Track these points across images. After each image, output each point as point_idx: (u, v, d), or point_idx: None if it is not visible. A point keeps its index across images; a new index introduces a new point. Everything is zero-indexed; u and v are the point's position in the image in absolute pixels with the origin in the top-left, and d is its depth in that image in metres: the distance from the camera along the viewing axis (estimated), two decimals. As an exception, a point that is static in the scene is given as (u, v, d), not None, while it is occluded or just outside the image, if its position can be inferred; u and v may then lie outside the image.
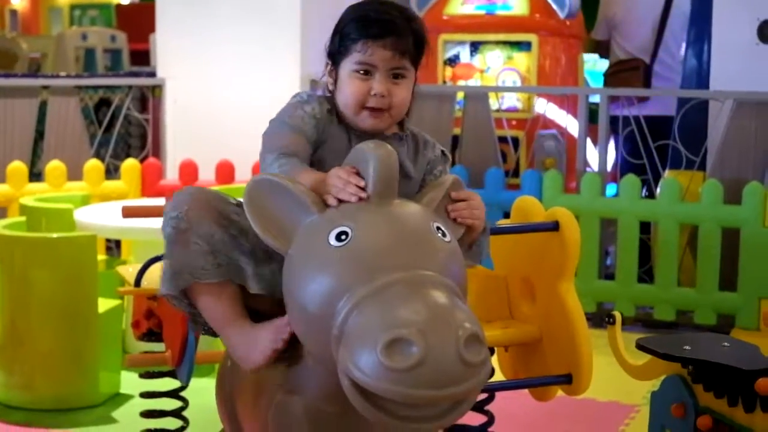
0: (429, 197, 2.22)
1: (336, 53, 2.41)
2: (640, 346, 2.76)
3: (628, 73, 6.20)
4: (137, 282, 3.28)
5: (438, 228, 2.04)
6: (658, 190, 5.35)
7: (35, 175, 5.81)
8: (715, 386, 2.56)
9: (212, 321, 2.28)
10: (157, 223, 3.10)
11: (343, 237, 1.96)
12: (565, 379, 3.24)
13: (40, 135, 5.83)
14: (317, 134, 2.35)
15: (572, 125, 5.83)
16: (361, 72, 2.34)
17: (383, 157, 2.07)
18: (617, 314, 3.09)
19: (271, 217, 2.08)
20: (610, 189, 5.64)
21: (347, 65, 2.36)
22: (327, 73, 2.46)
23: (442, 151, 2.49)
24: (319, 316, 1.92)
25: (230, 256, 2.22)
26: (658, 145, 5.50)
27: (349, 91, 2.35)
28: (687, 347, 2.60)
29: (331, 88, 2.44)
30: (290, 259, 2.04)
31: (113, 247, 5.70)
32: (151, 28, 5.96)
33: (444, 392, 1.78)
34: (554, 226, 3.26)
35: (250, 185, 2.11)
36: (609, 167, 5.61)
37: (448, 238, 2.04)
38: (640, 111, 5.64)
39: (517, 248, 3.48)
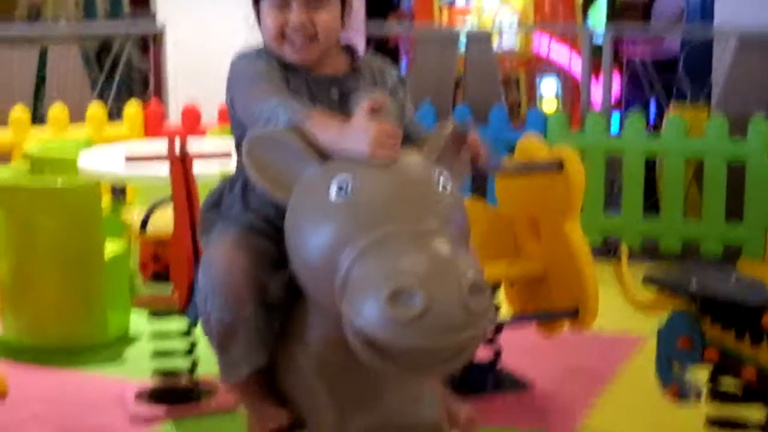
0: (429, 146, 2.16)
1: None
2: (648, 280, 2.76)
3: (628, 13, 6.17)
4: (143, 226, 3.29)
5: (439, 177, 2.02)
6: (664, 125, 5.34)
7: (38, 120, 5.80)
8: (722, 320, 2.57)
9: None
10: (160, 168, 3.12)
11: (344, 189, 1.95)
12: (572, 313, 3.27)
13: (41, 80, 5.80)
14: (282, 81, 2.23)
15: (574, 64, 5.79)
16: (277, 5, 2.22)
17: (385, 110, 2.03)
18: (624, 248, 3.08)
19: (272, 170, 2.05)
20: (614, 124, 5.61)
21: (264, 2, 2.24)
22: (254, 16, 2.32)
23: (400, 77, 2.36)
24: (321, 268, 1.91)
25: (273, 325, 2.17)
26: (663, 82, 5.48)
27: (268, 24, 2.23)
28: (694, 281, 2.60)
29: (257, 24, 2.31)
30: (292, 210, 2.02)
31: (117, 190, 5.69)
32: (151, -36, 5.93)
33: (448, 340, 1.78)
34: (558, 166, 3.27)
35: (250, 142, 2.07)
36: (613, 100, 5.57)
37: (449, 189, 2.02)
38: (646, 53, 5.62)
39: (521, 187, 3.48)
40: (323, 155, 2.03)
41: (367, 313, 1.79)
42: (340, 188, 1.95)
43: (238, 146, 2.28)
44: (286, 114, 2.10)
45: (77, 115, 5.46)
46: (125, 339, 4.05)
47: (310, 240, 1.95)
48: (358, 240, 1.87)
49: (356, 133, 2.02)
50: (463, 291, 1.78)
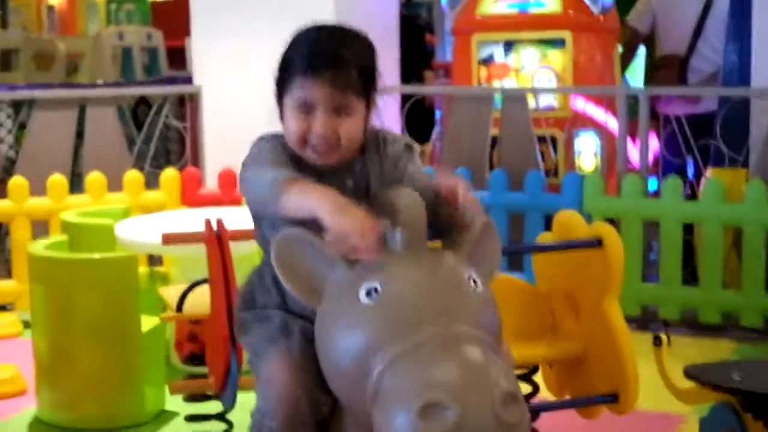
0: (459, 243, 2.13)
1: (279, 86, 2.26)
2: (689, 375, 2.71)
3: (663, 70, 6.14)
4: (179, 306, 3.29)
5: (470, 277, 2.00)
6: (701, 189, 5.29)
7: (76, 175, 5.86)
8: (764, 416, 2.52)
9: None
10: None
11: (373, 293, 1.93)
12: (611, 399, 3.22)
13: (79, 135, 5.84)
14: (291, 167, 2.21)
15: (611, 123, 5.77)
16: (301, 109, 2.19)
17: (411, 207, 2.04)
18: (664, 336, 3.04)
19: (302, 273, 2.04)
20: (652, 183, 5.57)
21: (288, 100, 2.21)
22: (276, 103, 2.29)
23: (406, 144, 2.33)
24: (352, 373, 1.90)
25: None
26: (700, 142, 5.44)
27: (290, 128, 2.20)
28: (736, 376, 2.56)
29: (281, 121, 2.28)
30: (322, 315, 2.02)
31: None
32: (186, 24, 5.96)
33: None
34: (597, 243, 3.23)
35: (278, 244, 2.06)
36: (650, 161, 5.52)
37: (480, 288, 2.00)
38: (682, 110, 5.59)
39: (559, 264, 3.45)
40: (351, 259, 2.02)
41: (399, 424, 1.78)
42: (369, 291, 1.94)
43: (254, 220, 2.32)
44: (273, 179, 2.10)
45: (114, 178, 5.49)
46: (162, 416, 4.03)
47: (341, 344, 1.93)
48: (390, 346, 1.85)
49: (335, 216, 2.00)
50: (496, 403, 1.76)
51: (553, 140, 5.89)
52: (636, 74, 7.20)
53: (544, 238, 3.54)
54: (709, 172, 5.35)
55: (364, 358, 1.88)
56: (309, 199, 2.05)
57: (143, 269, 4.94)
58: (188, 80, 6.58)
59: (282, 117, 2.25)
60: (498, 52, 6.18)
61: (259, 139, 2.28)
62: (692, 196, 5.52)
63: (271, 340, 2.20)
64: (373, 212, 2.08)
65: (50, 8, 24.82)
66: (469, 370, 1.80)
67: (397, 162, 2.29)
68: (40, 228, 5.36)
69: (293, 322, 2.22)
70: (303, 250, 2.05)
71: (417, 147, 2.35)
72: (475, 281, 2.00)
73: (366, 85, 2.22)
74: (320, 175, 2.21)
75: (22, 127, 5.88)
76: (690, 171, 5.82)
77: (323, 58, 2.17)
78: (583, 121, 5.82)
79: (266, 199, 2.13)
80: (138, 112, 6.89)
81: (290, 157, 2.21)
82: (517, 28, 6.13)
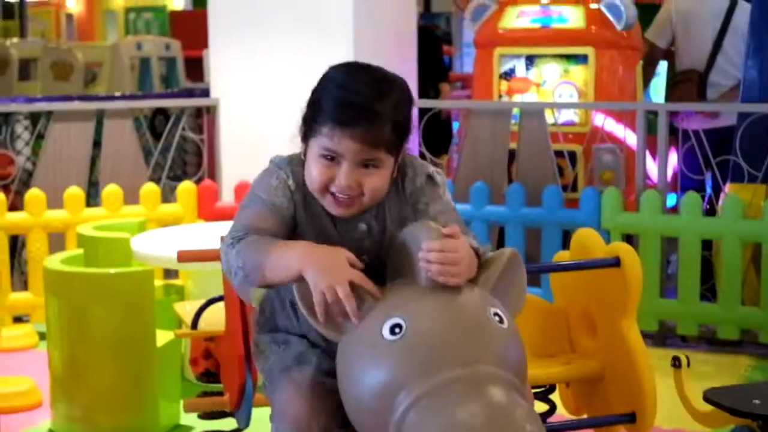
0: (485, 276, 2.09)
1: (304, 127, 2.15)
2: (708, 400, 2.68)
3: (682, 85, 6.11)
4: (194, 324, 3.28)
5: (495, 313, 1.98)
6: (720, 204, 5.26)
7: (93, 184, 5.87)
8: (785, 441, 2.50)
9: None
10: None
11: (397, 330, 1.91)
12: (629, 418, 3.19)
13: (96, 144, 5.85)
14: (293, 207, 2.15)
15: (631, 138, 5.74)
16: (327, 158, 2.09)
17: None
18: (683, 358, 3.02)
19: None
20: (670, 199, 5.54)
21: (313, 145, 2.11)
22: (301, 139, 2.18)
23: (428, 176, 2.23)
24: (375, 409, 1.89)
25: None
26: (719, 158, 5.40)
27: (313, 173, 2.11)
28: (756, 401, 2.53)
29: (303, 158, 2.17)
30: (344, 349, 2.00)
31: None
32: (205, 35, 5.96)
33: None
34: (615, 263, 3.21)
35: (299, 284, 2.04)
36: (669, 176, 5.49)
37: (505, 324, 1.98)
38: (701, 124, 5.56)
39: (577, 282, 3.43)
40: (375, 293, 2.00)
41: None
42: (394, 328, 1.92)
43: None
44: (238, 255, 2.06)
45: (131, 190, 5.50)
46: (177, 429, 4.02)
47: (364, 380, 1.92)
48: (414, 385, 1.84)
49: (312, 266, 2.00)
50: None
51: (572, 155, 5.87)
52: (659, 90, 7.16)
53: (562, 256, 3.52)
54: (728, 188, 5.32)
55: (388, 394, 1.87)
56: (286, 265, 2.03)
57: (159, 282, 4.93)
58: (206, 92, 6.58)
59: (305, 155, 2.16)
60: (519, 66, 6.16)
61: (270, 168, 2.19)
62: (711, 211, 5.49)
63: (285, 369, 2.17)
64: (390, 255, 2.06)
65: (69, 16, 25.00)
66: (494, 413, 1.79)
67: (417, 201, 2.21)
68: (56, 240, 5.36)
69: (311, 351, 2.19)
70: None
71: (441, 178, 2.25)
72: (500, 317, 1.97)
73: (398, 140, 2.13)
74: (330, 218, 2.15)
75: (40, 137, 5.89)
76: (708, 186, 5.79)
77: (356, 111, 2.07)
78: (602, 137, 5.79)
79: (237, 284, 2.11)
80: (155, 122, 6.89)
81: (297, 192, 2.14)
82: (540, 42, 6.11)
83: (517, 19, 6.21)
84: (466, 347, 1.90)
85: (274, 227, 2.12)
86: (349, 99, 2.08)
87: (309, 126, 2.13)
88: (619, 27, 5.98)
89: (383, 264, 2.16)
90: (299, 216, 2.15)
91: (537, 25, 6.15)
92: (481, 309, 1.98)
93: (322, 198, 2.13)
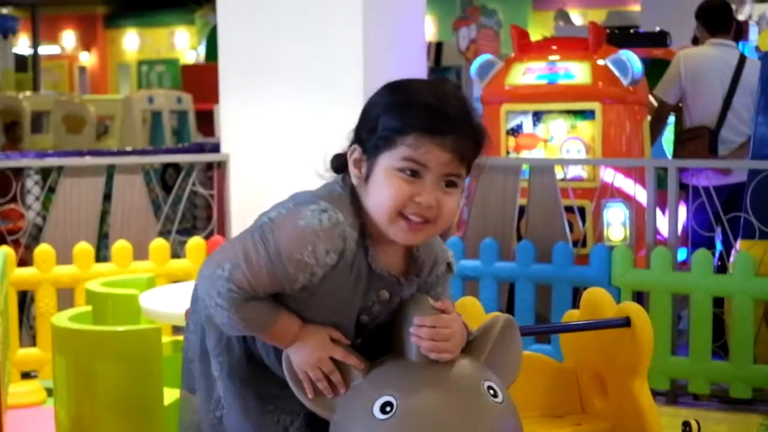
0: (478, 345, 2.04)
1: (372, 141, 1.98)
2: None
3: (692, 142, 6.11)
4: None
5: (489, 387, 1.94)
6: (731, 262, 5.24)
7: (103, 237, 5.86)
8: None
9: None
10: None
11: (388, 408, 1.87)
12: (641, 483, 3.16)
13: (107, 197, 5.86)
14: (316, 278, 1.99)
15: (640, 193, 5.73)
16: (408, 172, 1.94)
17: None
18: (693, 423, 2.98)
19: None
20: (681, 253, 5.51)
21: (388, 160, 1.95)
22: (352, 162, 2.02)
23: (448, 264, 2.15)
24: None
25: None
26: (730, 215, 5.39)
27: (387, 193, 1.94)
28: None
29: (356, 182, 2.02)
30: (335, 428, 1.97)
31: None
32: (216, 89, 5.99)
33: None
34: (626, 323, 3.19)
35: (288, 357, 2.02)
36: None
37: (500, 398, 1.94)
38: (711, 181, 5.55)
39: (587, 341, 3.40)
40: (364, 369, 1.97)
41: None
42: (384, 406, 1.88)
43: None
44: (239, 319, 2.00)
45: (140, 245, 5.50)
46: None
47: None
48: None
49: (297, 352, 1.98)
50: None
51: (581, 210, 5.85)
52: (669, 144, 7.16)
53: (572, 315, 3.50)
54: (740, 245, 5.29)
55: None
56: (282, 340, 2.01)
57: (167, 338, 4.90)
58: (216, 147, 6.59)
59: (363, 183, 2.00)
60: (527, 122, 6.17)
61: (303, 213, 1.96)
62: (722, 268, 5.47)
63: None
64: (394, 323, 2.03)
65: (82, 69, 25.21)
66: None
67: (433, 287, 2.12)
68: (66, 295, 5.36)
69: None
70: None
71: (455, 266, 2.18)
72: (494, 390, 1.94)
73: (474, 159, 2.02)
74: (369, 276, 2.02)
75: (50, 191, 5.90)
76: (719, 242, 5.77)
77: (448, 120, 1.95)
78: (611, 192, 5.78)
79: (223, 323, 2.04)
80: (166, 175, 6.92)
81: (333, 265, 1.97)
82: (547, 98, 6.12)
83: (523, 75, 6.23)
84: (458, 425, 1.86)
85: (274, 291, 2.02)
86: (441, 107, 1.95)
87: (376, 141, 1.98)
88: (625, 82, 6.00)
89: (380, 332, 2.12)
90: (330, 273, 1.99)
91: (543, 82, 6.16)
92: (474, 384, 1.94)
93: (392, 224, 1.97)
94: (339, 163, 2.09)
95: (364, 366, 1.97)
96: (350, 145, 2.03)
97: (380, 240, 2.03)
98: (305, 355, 1.96)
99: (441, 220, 1.97)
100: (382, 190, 1.95)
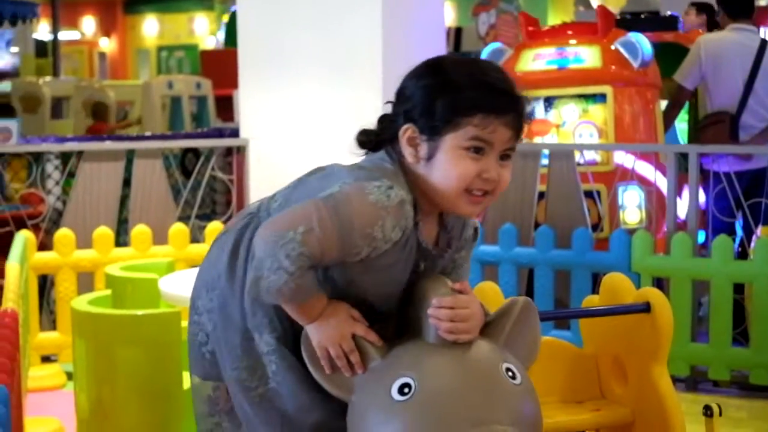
0: (496, 327, 2.04)
1: (432, 122, 2.06)
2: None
3: (713, 127, 6.07)
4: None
5: (508, 369, 1.93)
6: (752, 247, 5.21)
7: (122, 222, 5.88)
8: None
9: None
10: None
11: (407, 390, 1.86)
12: (660, 469, 3.14)
13: (126, 183, 5.87)
14: (376, 252, 2.02)
15: (658, 178, 5.70)
16: (473, 150, 2.03)
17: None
18: (715, 407, 2.97)
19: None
20: (699, 236, 5.48)
21: (454, 139, 2.03)
22: (406, 141, 2.09)
23: (476, 229, 2.25)
24: None
25: None
26: (751, 201, 5.36)
27: (456, 171, 2.03)
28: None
29: (411, 160, 2.09)
30: (353, 410, 1.96)
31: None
32: (235, 74, 5.98)
33: None
34: (646, 308, 3.17)
35: (306, 337, 2.02)
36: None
37: (518, 380, 1.93)
38: (732, 167, 5.51)
39: (607, 327, 3.38)
40: (383, 350, 1.96)
41: None
42: (403, 388, 1.87)
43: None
44: (293, 287, 1.99)
45: (160, 230, 5.50)
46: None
47: None
48: None
49: (317, 330, 1.98)
50: None
51: (598, 194, 5.83)
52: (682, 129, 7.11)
53: (592, 301, 3.47)
54: (761, 231, 5.26)
55: None
56: (307, 316, 2.02)
57: (186, 323, 4.91)
58: (235, 132, 6.59)
59: (422, 162, 2.08)
60: (538, 108, 6.14)
61: (383, 188, 2.00)
62: (742, 254, 5.43)
63: None
64: (409, 298, 2.03)
65: (102, 55, 25.24)
66: None
67: (459, 251, 2.19)
68: (85, 279, 5.37)
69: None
70: None
71: (479, 233, 2.27)
72: (513, 373, 1.93)
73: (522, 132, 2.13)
74: (417, 248, 2.07)
75: (70, 176, 5.91)
76: (739, 228, 5.74)
77: (509, 98, 2.07)
78: (627, 175, 5.75)
79: (273, 286, 2.02)
80: (185, 160, 6.92)
81: (395, 242, 2.01)
82: (557, 84, 6.09)
83: (533, 61, 6.20)
84: (477, 406, 1.85)
85: (336, 261, 2.04)
86: (501, 86, 2.07)
87: (441, 121, 2.05)
88: (635, 65, 5.96)
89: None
90: (389, 248, 2.04)
91: (554, 67, 6.13)
92: (493, 365, 1.93)
93: (458, 199, 2.06)
94: (368, 139, 2.17)
95: (382, 345, 1.97)
96: (405, 126, 2.07)
97: (424, 213, 2.11)
98: (327, 331, 1.98)
99: (497, 192, 2.08)
100: (450, 169, 2.03)
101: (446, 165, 2.04)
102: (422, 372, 1.88)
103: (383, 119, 2.17)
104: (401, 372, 1.90)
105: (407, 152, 2.08)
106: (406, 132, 2.08)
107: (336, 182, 2.08)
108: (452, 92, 2.05)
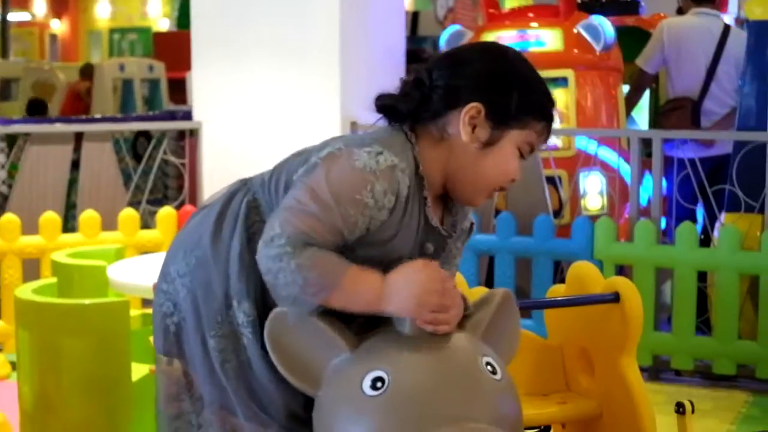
0: (474, 320, 1.94)
1: (505, 112, 2.03)
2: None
3: (675, 112, 5.98)
4: (171, 359, 3.11)
5: (487, 363, 1.82)
6: (715, 235, 5.13)
7: (71, 207, 5.72)
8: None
9: None
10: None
11: (379, 384, 1.74)
12: (629, 464, 3.04)
13: (75, 166, 5.72)
14: (372, 225, 1.92)
15: (614, 159, 5.62)
16: (518, 152, 2.06)
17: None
18: (687, 404, 2.87)
19: (297, 354, 1.85)
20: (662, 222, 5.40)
21: (516, 137, 2.04)
22: (467, 119, 2.00)
23: (472, 224, 2.21)
24: None
25: None
26: (715, 187, 5.27)
27: (505, 168, 2.04)
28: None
29: (466, 139, 2.01)
30: (320, 404, 1.83)
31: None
32: (188, 56, 5.83)
33: None
34: (615, 298, 3.07)
35: (271, 323, 1.87)
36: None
37: (498, 375, 1.81)
38: (696, 153, 5.42)
39: (573, 317, 3.28)
40: (353, 342, 1.83)
41: None
42: (375, 382, 1.74)
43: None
44: (303, 282, 1.84)
45: (109, 216, 5.36)
46: (151, 469, 3.86)
47: None
48: None
49: (397, 294, 1.83)
50: None
51: (560, 180, 5.73)
52: (641, 115, 7.03)
53: (557, 290, 3.36)
54: (725, 218, 5.18)
55: None
56: (363, 301, 1.87)
57: (136, 312, 4.76)
58: (188, 115, 6.43)
59: (488, 144, 2.02)
60: (498, 92, 6.02)
61: (374, 152, 1.92)
62: (705, 241, 5.35)
63: None
64: None
65: (53, 37, 24.88)
66: None
67: (457, 240, 2.12)
68: (31, 267, 5.20)
69: None
70: (300, 327, 1.85)
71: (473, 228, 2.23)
72: (492, 367, 1.81)
73: None
74: (425, 225, 2.01)
75: (16, 160, 5.75)
76: (701, 215, 5.66)
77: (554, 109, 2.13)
78: (588, 161, 5.66)
79: (289, 298, 1.87)
80: (137, 144, 6.76)
81: (389, 209, 1.92)
82: (518, 67, 5.97)
83: (492, 44, 6.08)
84: (454, 402, 1.73)
85: (334, 238, 1.90)
86: (551, 97, 2.13)
87: (513, 116, 2.04)
88: (598, 48, 5.87)
89: None
90: (388, 221, 1.94)
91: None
92: (471, 359, 1.82)
93: (483, 190, 2.06)
94: (389, 104, 2.06)
95: (352, 337, 1.84)
96: (478, 108, 2.00)
97: (433, 193, 2.05)
98: (420, 283, 1.86)
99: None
100: (502, 164, 2.03)
101: (502, 158, 2.03)
102: (397, 365, 1.76)
103: (419, 83, 2.05)
104: (373, 365, 1.77)
105: (464, 131, 2.01)
106: (472, 110, 2.01)
107: (328, 147, 2.01)
108: (527, 91, 2.07)
